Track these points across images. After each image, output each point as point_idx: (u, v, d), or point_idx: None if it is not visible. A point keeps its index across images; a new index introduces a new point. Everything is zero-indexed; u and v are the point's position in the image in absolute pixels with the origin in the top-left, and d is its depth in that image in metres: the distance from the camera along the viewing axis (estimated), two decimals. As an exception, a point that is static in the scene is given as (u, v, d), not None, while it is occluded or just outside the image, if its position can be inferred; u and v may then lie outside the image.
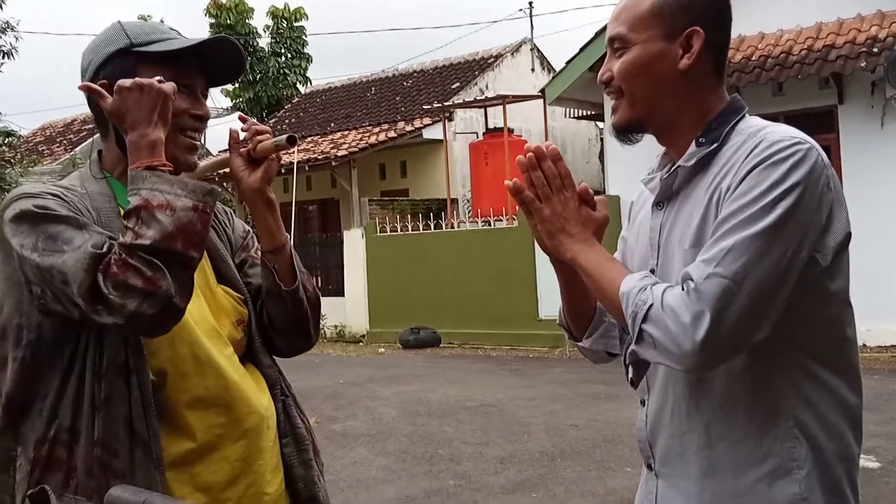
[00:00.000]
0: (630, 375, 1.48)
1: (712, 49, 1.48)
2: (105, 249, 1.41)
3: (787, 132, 1.39)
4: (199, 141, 1.68)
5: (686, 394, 1.46)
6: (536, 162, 1.46)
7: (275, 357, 1.80)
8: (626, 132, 1.54)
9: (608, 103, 1.60)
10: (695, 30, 1.45)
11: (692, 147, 1.46)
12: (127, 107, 1.49)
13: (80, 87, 1.59)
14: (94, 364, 1.50)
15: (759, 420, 1.41)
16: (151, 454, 1.50)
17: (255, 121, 1.71)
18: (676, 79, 1.47)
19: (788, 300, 1.33)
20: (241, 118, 1.74)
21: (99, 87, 1.55)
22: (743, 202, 1.33)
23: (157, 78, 1.52)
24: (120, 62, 1.61)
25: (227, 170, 1.71)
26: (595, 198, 1.51)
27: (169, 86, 1.51)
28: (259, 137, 1.66)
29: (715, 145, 1.44)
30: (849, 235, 1.42)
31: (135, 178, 1.46)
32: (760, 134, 1.40)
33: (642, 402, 1.58)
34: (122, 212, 1.55)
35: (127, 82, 1.50)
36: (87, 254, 1.40)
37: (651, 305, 1.33)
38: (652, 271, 1.50)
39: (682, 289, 1.32)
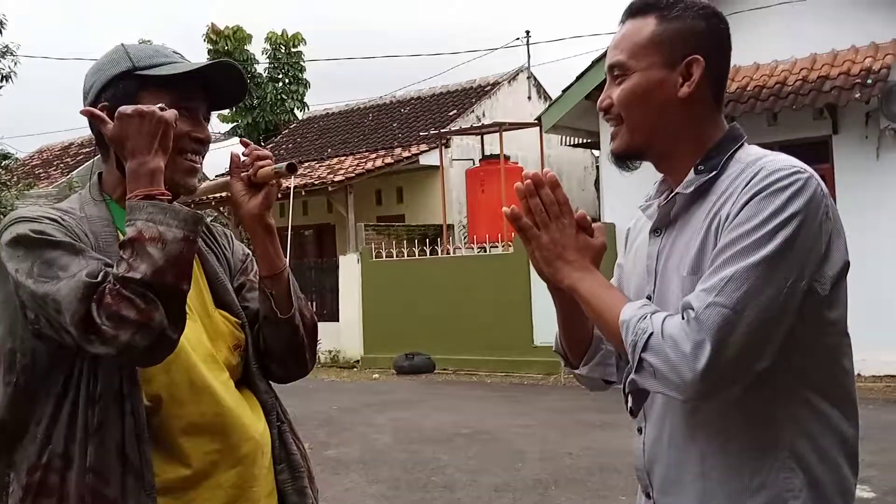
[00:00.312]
0: (629, 404, 1.48)
1: (712, 77, 1.48)
2: (100, 279, 1.41)
3: (786, 161, 1.39)
4: (200, 164, 1.67)
5: (682, 423, 1.46)
6: (534, 189, 1.47)
7: (271, 382, 1.79)
8: (624, 159, 1.54)
9: (605, 131, 1.62)
10: (695, 58, 1.46)
11: (691, 175, 1.47)
12: (127, 134, 1.49)
13: (82, 112, 1.59)
14: (87, 389, 1.49)
15: (755, 451, 1.40)
16: (143, 481, 1.49)
17: (256, 146, 1.71)
18: (676, 106, 1.47)
19: (787, 330, 1.33)
20: (242, 142, 1.74)
21: (100, 113, 1.55)
22: (742, 231, 1.33)
23: (159, 105, 1.51)
24: (122, 85, 1.62)
25: (226, 193, 1.72)
26: (593, 225, 1.52)
27: (170, 113, 1.51)
28: (260, 163, 1.66)
29: (714, 173, 1.45)
30: (847, 265, 1.42)
31: (132, 209, 1.46)
32: (759, 163, 1.40)
33: (639, 430, 1.57)
34: (120, 236, 1.55)
35: (128, 109, 1.50)
36: (82, 283, 1.40)
37: (651, 334, 1.33)
38: (649, 298, 1.50)
39: (683, 318, 1.32)
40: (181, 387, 1.56)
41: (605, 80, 1.58)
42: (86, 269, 1.43)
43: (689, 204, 1.48)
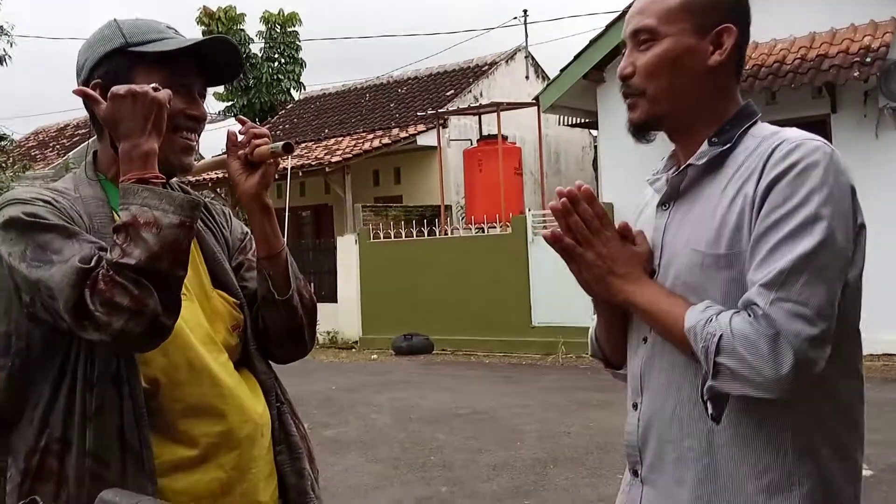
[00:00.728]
0: (710, 411, 1.40)
1: (738, 49, 1.47)
2: (93, 264, 1.39)
3: (807, 136, 1.38)
4: (196, 142, 1.65)
5: (693, 398, 1.42)
6: (571, 206, 1.43)
7: (270, 363, 1.78)
8: (644, 129, 1.51)
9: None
10: (727, 27, 1.45)
11: (704, 146, 1.45)
12: (120, 115, 1.47)
13: (75, 91, 1.56)
14: (85, 373, 1.48)
15: (765, 432, 1.38)
16: (143, 465, 1.48)
17: (253, 124, 1.68)
18: (703, 75, 1.45)
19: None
20: (239, 120, 1.72)
21: (93, 93, 1.53)
22: (782, 213, 1.31)
23: (153, 85, 1.49)
24: (115, 62, 1.59)
25: (224, 171, 1.70)
26: (633, 232, 1.49)
27: (164, 94, 1.49)
28: (257, 141, 1.64)
29: (728, 146, 1.43)
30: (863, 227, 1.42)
31: (126, 192, 1.44)
32: (777, 137, 1.40)
33: (634, 406, 1.53)
34: (115, 217, 1.54)
35: (121, 89, 1.47)
36: (75, 269, 1.38)
37: (721, 336, 1.30)
38: (653, 272, 1.48)
39: (749, 315, 1.30)
40: (179, 369, 1.55)
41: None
42: (79, 253, 1.41)
43: (700, 177, 1.46)
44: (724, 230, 1.38)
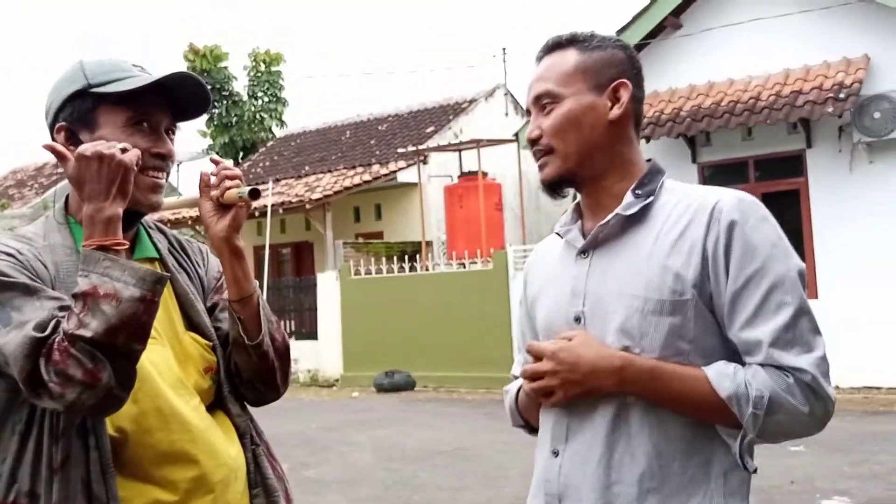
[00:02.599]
0: (750, 465, 1.44)
1: (635, 101, 1.55)
2: (48, 331, 1.37)
3: (732, 190, 1.50)
4: (163, 179, 1.62)
5: (621, 443, 1.44)
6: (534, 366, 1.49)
7: (246, 404, 1.75)
8: (557, 186, 1.57)
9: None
10: (622, 82, 1.54)
11: (629, 197, 1.51)
12: (85, 177, 1.44)
13: (45, 147, 1.54)
14: (51, 425, 1.45)
15: (691, 474, 1.42)
16: None
17: (226, 164, 1.65)
18: (606, 129, 1.53)
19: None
20: (213, 161, 1.69)
21: (62, 149, 1.49)
22: (757, 266, 1.40)
23: (121, 146, 1.46)
24: (79, 104, 1.57)
25: (195, 211, 1.68)
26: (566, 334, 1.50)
27: (131, 156, 1.46)
28: (228, 183, 1.60)
29: (651, 198, 1.50)
30: None
31: (87, 259, 1.41)
32: (707, 190, 1.50)
33: (555, 453, 1.52)
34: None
35: (88, 150, 1.43)
36: (29, 339, 1.36)
37: (770, 396, 1.37)
38: (577, 319, 1.51)
39: (776, 369, 1.38)
40: (148, 416, 1.52)
41: None
42: (36, 318, 1.38)
43: (623, 227, 1.51)
44: (667, 276, 1.43)
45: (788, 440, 1.45)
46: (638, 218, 1.50)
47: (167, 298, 1.63)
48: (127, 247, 1.46)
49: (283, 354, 1.71)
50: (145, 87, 1.56)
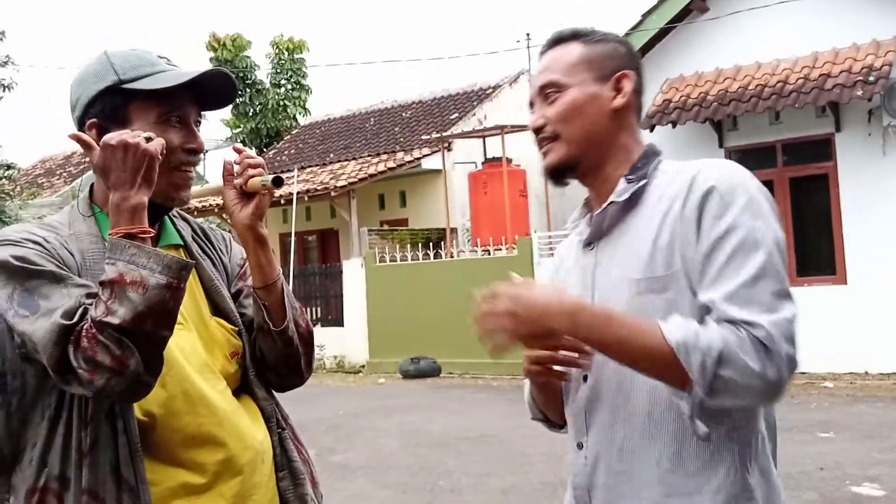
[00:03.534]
0: (701, 431, 1.41)
1: (636, 92, 1.58)
2: (76, 319, 1.38)
3: (719, 160, 1.50)
4: (193, 173, 1.64)
5: (639, 429, 1.46)
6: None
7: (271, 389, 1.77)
8: (559, 172, 1.60)
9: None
10: (625, 73, 1.57)
11: (622, 183, 1.54)
12: (111, 165, 1.45)
13: (70, 136, 1.55)
14: (80, 411, 1.47)
15: (711, 450, 1.42)
16: (140, 500, 1.47)
17: (249, 153, 1.66)
18: (609, 118, 1.56)
19: None
20: (235, 149, 1.69)
21: (87, 138, 1.50)
22: (724, 228, 1.39)
23: (146, 135, 1.47)
24: (109, 100, 1.57)
25: (220, 199, 1.70)
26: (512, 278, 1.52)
27: (157, 144, 1.47)
28: (250, 171, 1.61)
29: (644, 182, 1.52)
30: None
31: (113, 247, 1.43)
32: (695, 164, 1.49)
33: (579, 446, 1.54)
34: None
35: (113, 139, 1.44)
36: (57, 326, 1.37)
37: (721, 350, 1.32)
38: None
39: (733, 326, 1.33)
40: (176, 399, 1.54)
41: None
42: (63, 306, 1.40)
43: (622, 213, 1.53)
44: (658, 253, 1.44)
45: (737, 404, 1.38)
46: (633, 202, 1.52)
47: (193, 284, 1.65)
48: (153, 234, 1.48)
49: (307, 340, 1.73)
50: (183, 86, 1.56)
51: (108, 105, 1.57)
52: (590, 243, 1.58)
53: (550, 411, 1.69)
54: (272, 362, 1.71)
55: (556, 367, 1.52)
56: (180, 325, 1.54)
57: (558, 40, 1.62)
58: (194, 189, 1.74)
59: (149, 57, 1.62)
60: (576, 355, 1.46)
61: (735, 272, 1.36)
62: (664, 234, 1.45)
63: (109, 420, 1.48)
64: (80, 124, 1.60)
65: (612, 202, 1.54)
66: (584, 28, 1.63)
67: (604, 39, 1.60)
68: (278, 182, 1.59)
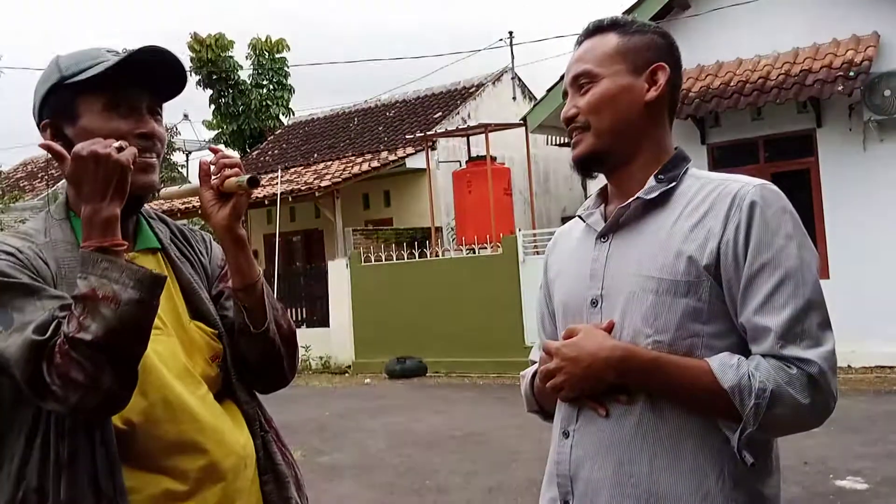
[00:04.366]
0: (749, 459, 1.41)
1: (672, 86, 1.56)
2: (49, 334, 1.37)
3: (756, 179, 1.49)
4: (153, 159, 1.60)
5: (635, 424, 1.45)
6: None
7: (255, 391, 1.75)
8: (588, 164, 1.58)
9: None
10: (660, 65, 1.55)
11: (651, 181, 1.52)
12: (82, 177, 1.42)
13: (41, 146, 1.53)
14: (57, 422, 1.46)
15: (705, 455, 1.42)
16: None
17: (226, 152, 1.64)
18: (641, 111, 1.54)
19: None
20: (211, 149, 1.67)
21: (59, 149, 1.48)
22: (774, 253, 1.40)
23: (118, 144, 1.44)
24: (57, 97, 1.57)
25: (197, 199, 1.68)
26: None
27: (128, 154, 1.44)
28: (227, 172, 1.59)
29: (673, 184, 1.51)
30: None
31: (85, 261, 1.41)
32: (731, 179, 1.49)
33: (566, 434, 1.54)
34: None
35: (84, 150, 1.42)
36: (29, 342, 1.36)
37: (772, 390, 1.35)
38: (594, 302, 1.52)
39: (779, 361, 1.36)
40: (156, 407, 1.53)
41: None
42: (36, 320, 1.38)
43: (644, 211, 1.52)
44: (681, 258, 1.44)
45: (785, 434, 1.43)
46: (658, 203, 1.51)
47: (171, 288, 1.63)
48: (126, 247, 1.45)
49: (290, 341, 1.71)
50: (117, 69, 1.54)
51: (58, 103, 1.57)
52: (604, 235, 1.56)
53: (549, 405, 1.68)
54: (254, 364, 1.69)
55: None
56: (159, 330, 1.53)
57: (596, 30, 1.59)
58: (172, 190, 1.72)
59: (94, 52, 1.60)
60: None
61: (784, 303, 1.37)
62: (690, 245, 1.44)
63: (87, 432, 1.46)
64: (40, 129, 1.60)
65: (638, 198, 1.52)
66: (622, 17, 1.61)
67: (641, 30, 1.58)
68: (254, 182, 1.57)
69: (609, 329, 1.48)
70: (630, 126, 1.53)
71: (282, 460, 1.71)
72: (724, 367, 1.37)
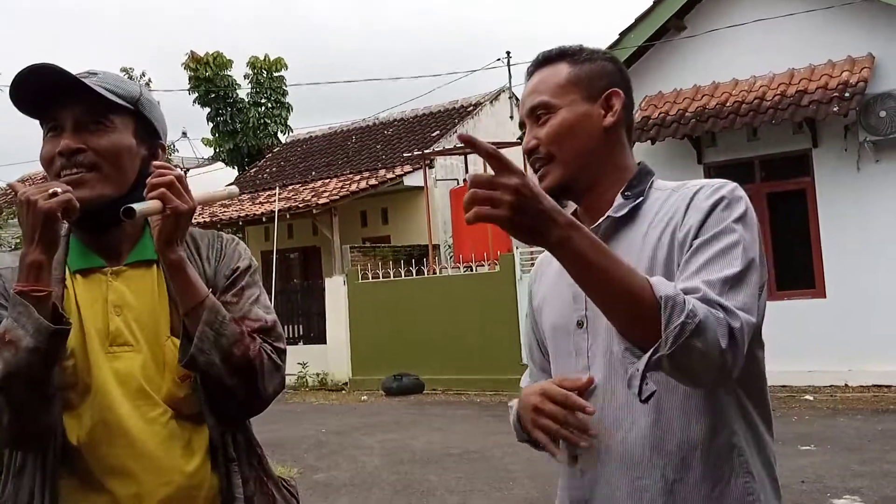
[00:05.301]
0: (642, 392, 1.33)
1: (626, 108, 1.59)
2: None
3: (720, 179, 1.51)
4: (77, 174, 1.55)
5: (640, 440, 1.46)
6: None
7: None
8: (559, 195, 1.58)
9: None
10: (614, 91, 1.58)
11: (619, 199, 1.54)
12: (20, 219, 1.43)
13: (7, 185, 1.59)
14: None
15: (714, 458, 1.44)
16: None
17: (164, 169, 1.52)
18: (601, 137, 1.56)
19: None
20: (154, 165, 1.56)
21: (16, 186, 1.48)
22: (716, 232, 1.40)
23: (52, 190, 1.42)
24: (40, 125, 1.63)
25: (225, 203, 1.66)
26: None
27: (57, 201, 1.41)
28: (152, 194, 1.49)
29: (640, 199, 1.54)
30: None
31: (11, 301, 1.43)
32: (693, 183, 1.52)
33: (574, 459, 1.54)
34: (68, 275, 1.58)
35: (20, 192, 1.42)
36: None
37: (702, 320, 1.28)
38: (580, 324, 1.53)
39: (710, 306, 1.31)
40: (97, 429, 1.52)
41: None
42: None
43: (615, 229, 1.54)
44: (656, 265, 1.45)
45: (683, 378, 1.34)
46: (628, 219, 1.53)
47: (157, 301, 1.61)
48: (46, 293, 1.43)
49: (244, 370, 1.54)
50: (37, 94, 1.56)
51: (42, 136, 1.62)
52: None
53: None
54: (213, 393, 1.58)
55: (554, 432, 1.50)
56: (129, 346, 1.54)
57: (545, 60, 1.62)
58: (204, 194, 1.65)
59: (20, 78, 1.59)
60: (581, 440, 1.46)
61: (722, 269, 1.36)
62: (662, 248, 1.46)
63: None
64: None
65: (608, 217, 1.53)
66: (571, 46, 1.63)
67: (591, 58, 1.61)
68: (128, 213, 1.45)
69: (588, 384, 1.49)
70: (591, 153, 1.56)
71: (241, 493, 1.60)
72: (663, 282, 1.32)
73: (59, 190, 1.43)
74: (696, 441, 1.44)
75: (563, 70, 1.59)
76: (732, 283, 1.36)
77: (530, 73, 1.63)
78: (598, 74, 1.59)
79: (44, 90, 1.56)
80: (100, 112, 1.58)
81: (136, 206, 1.44)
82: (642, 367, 1.30)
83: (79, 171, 1.55)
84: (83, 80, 1.56)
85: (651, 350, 1.29)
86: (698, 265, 1.38)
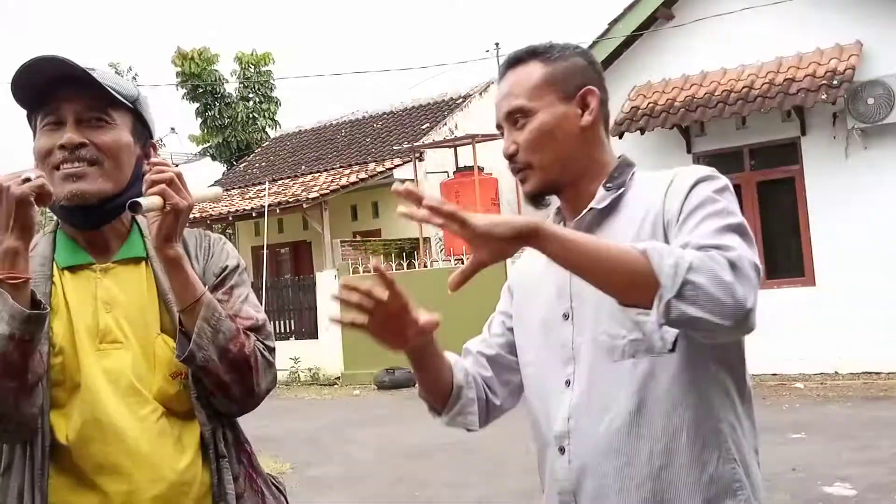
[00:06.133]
0: (668, 338, 1.37)
1: (602, 106, 1.58)
2: None
3: (696, 165, 1.53)
4: (78, 167, 1.56)
5: (625, 427, 1.46)
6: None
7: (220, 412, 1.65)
8: (541, 197, 1.59)
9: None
10: (589, 89, 1.56)
11: (601, 192, 1.55)
12: None
13: None
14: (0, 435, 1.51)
15: (700, 444, 1.45)
16: None
17: (160, 167, 1.52)
18: (579, 136, 1.56)
19: None
20: (150, 163, 1.57)
21: None
22: (704, 198, 1.41)
23: (25, 176, 1.42)
24: (29, 118, 1.65)
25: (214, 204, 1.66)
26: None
27: (29, 186, 1.41)
28: (151, 190, 1.49)
29: (622, 190, 1.54)
30: None
31: None
32: (671, 169, 1.52)
33: (561, 450, 1.54)
34: (56, 272, 1.58)
35: None
36: None
37: (690, 260, 1.27)
38: (566, 316, 1.54)
39: (704, 251, 1.31)
40: (87, 426, 1.52)
41: None
42: None
43: (599, 220, 1.54)
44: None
45: (706, 323, 1.27)
46: (610, 210, 1.53)
47: (147, 298, 1.61)
48: (23, 280, 1.42)
49: (240, 366, 1.57)
50: (35, 87, 1.57)
51: (31, 123, 1.63)
52: None
53: (434, 396, 1.71)
54: (209, 388, 1.59)
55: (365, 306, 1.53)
56: (119, 343, 1.54)
57: (516, 60, 1.59)
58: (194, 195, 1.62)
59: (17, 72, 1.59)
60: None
61: (710, 226, 1.36)
62: (644, 230, 1.46)
63: (23, 445, 1.50)
64: None
65: (591, 209, 1.54)
66: (540, 45, 1.60)
67: (562, 55, 1.58)
68: (132, 207, 1.47)
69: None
70: (571, 154, 1.56)
71: (232, 490, 1.60)
72: (647, 242, 1.33)
73: (31, 176, 1.43)
74: (681, 427, 1.44)
75: (535, 70, 1.56)
76: (723, 231, 1.36)
77: (502, 74, 1.61)
78: (572, 72, 1.57)
79: (46, 82, 1.56)
80: (101, 108, 1.60)
81: (142, 201, 1.46)
82: (655, 317, 1.29)
83: (80, 165, 1.56)
84: (91, 73, 1.57)
85: (657, 299, 1.28)
86: (687, 231, 1.39)
